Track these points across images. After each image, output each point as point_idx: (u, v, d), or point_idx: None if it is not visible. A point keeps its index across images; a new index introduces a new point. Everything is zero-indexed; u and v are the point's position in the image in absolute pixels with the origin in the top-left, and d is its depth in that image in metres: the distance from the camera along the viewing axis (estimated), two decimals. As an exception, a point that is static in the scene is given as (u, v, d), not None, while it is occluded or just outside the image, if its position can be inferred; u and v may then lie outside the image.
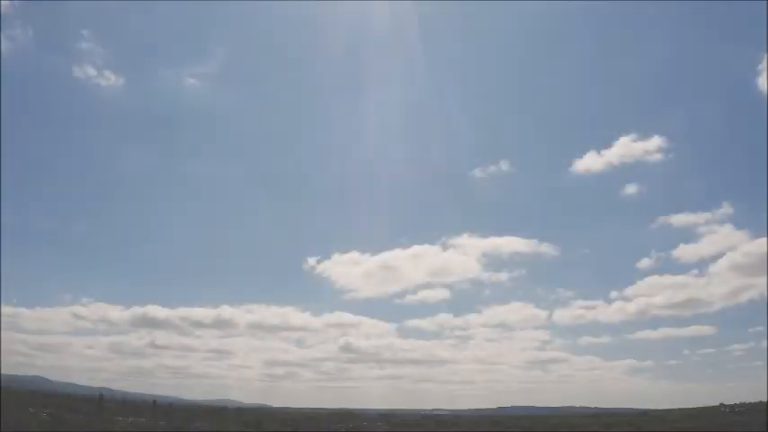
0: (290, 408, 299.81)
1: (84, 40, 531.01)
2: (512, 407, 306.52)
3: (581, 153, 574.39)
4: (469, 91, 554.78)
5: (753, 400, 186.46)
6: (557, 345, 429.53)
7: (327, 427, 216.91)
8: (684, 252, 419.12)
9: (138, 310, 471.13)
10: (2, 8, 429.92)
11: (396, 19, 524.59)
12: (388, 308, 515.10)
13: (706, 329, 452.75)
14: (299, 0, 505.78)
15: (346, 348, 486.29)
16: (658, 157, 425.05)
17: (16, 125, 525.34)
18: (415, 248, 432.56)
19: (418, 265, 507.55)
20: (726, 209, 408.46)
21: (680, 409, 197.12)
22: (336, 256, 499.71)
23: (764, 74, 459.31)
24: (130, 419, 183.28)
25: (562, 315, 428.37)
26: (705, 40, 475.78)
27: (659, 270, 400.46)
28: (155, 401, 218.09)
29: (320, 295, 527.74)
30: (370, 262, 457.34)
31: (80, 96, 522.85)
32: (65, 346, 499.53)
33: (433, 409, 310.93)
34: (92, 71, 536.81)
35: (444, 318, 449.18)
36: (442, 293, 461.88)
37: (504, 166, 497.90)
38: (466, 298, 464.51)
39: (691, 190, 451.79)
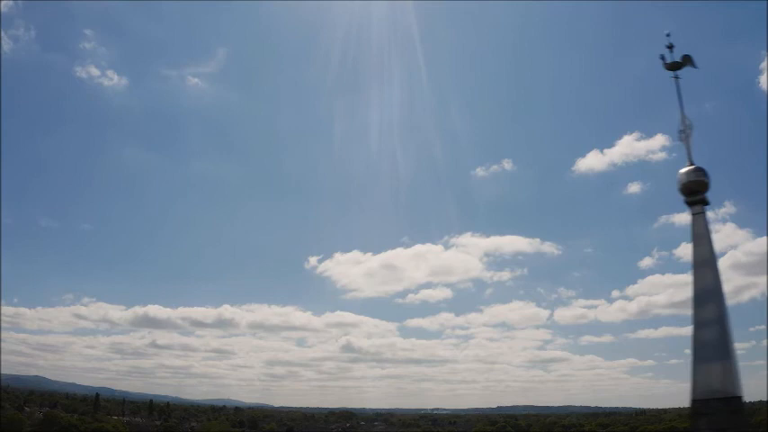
0: (290, 407, 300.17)
1: (87, 40, 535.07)
2: (512, 406, 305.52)
3: (584, 152, 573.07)
4: (470, 90, 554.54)
5: (753, 400, 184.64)
6: (558, 344, 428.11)
7: (324, 427, 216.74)
8: (686, 251, 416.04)
9: (139, 310, 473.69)
10: (5, 8, 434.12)
11: (396, 19, 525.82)
12: (390, 307, 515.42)
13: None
14: (299, 0, 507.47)
15: (347, 348, 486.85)
16: (662, 155, 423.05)
17: (18, 125, 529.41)
18: (417, 248, 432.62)
19: (420, 264, 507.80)
20: (728, 208, 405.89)
21: (677, 409, 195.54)
22: (338, 256, 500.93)
23: (765, 73, 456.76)
24: (126, 418, 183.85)
25: (563, 314, 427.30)
26: (707, 39, 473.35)
27: (661, 269, 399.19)
28: (151, 401, 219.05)
29: (321, 295, 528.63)
30: (372, 261, 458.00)
31: (83, 96, 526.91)
32: (66, 345, 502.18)
33: (433, 409, 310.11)
34: (95, 71, 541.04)
35: (446, 317, 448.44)
36: (444, 293, 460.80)
37: (507, 165, 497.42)
38: (467, 297, 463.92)
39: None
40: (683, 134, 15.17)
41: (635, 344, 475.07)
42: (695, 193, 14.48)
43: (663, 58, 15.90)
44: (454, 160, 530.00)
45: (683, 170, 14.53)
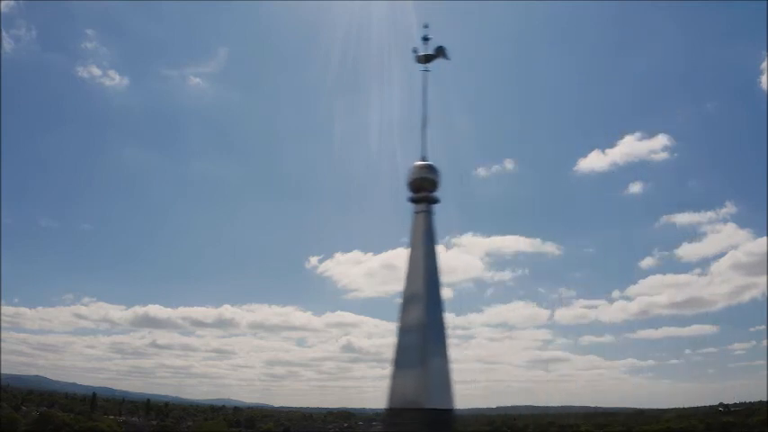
0: (290, 407, 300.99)
1: (89, 40, 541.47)
2: (512, 406, 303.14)
3: (586, 152, 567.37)
4: (470, 90, 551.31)
5: (753, 400, 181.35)
6: (558, 344, 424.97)
7: (322, 427, 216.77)
8: (687, 251, 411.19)
9: (139, 310, 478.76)
10: (6, 8, 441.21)
11: (396, 19, 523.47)
12: (390, 307, 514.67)
13: (707, 329, 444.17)
14: (299, 0, 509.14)
15: (347, 348, 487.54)
16: (663, 155, 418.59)
17: (18, 125, 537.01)
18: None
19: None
20: (728, 208, 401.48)
21: (676, 409, 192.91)
22: (338, 256, 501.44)
23: (765, 73, 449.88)
24: (122, 418, 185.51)
25: (564, 314, 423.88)
26: (709, 40, 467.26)
27: (662, 269, 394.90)
28: (148, 400, 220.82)
29: (322, 295, 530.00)
30: (372, 261, 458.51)
31: (84, 96, 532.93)
32: (66, 345, 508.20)
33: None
34: (96, 71, 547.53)
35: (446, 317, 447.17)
36: (445, 293, 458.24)
37: (508, 165, 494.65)
38: (468, 297, 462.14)
39: (694, 189, 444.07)
40: (424, 128, 14.60)
41: (635, 344, 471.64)
42: (421, 190, 13.84)
43: (415, 50, 15.29)
44: (454, 160, 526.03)
45: (413, 165, 13.92)
